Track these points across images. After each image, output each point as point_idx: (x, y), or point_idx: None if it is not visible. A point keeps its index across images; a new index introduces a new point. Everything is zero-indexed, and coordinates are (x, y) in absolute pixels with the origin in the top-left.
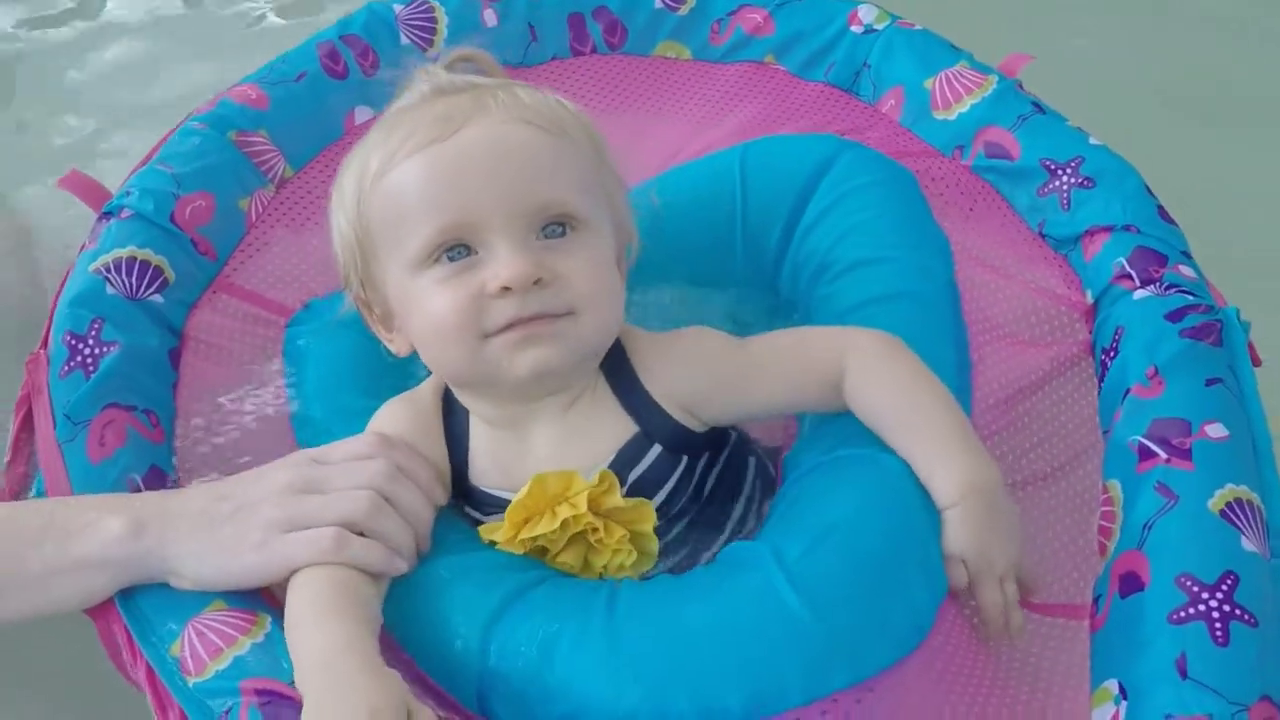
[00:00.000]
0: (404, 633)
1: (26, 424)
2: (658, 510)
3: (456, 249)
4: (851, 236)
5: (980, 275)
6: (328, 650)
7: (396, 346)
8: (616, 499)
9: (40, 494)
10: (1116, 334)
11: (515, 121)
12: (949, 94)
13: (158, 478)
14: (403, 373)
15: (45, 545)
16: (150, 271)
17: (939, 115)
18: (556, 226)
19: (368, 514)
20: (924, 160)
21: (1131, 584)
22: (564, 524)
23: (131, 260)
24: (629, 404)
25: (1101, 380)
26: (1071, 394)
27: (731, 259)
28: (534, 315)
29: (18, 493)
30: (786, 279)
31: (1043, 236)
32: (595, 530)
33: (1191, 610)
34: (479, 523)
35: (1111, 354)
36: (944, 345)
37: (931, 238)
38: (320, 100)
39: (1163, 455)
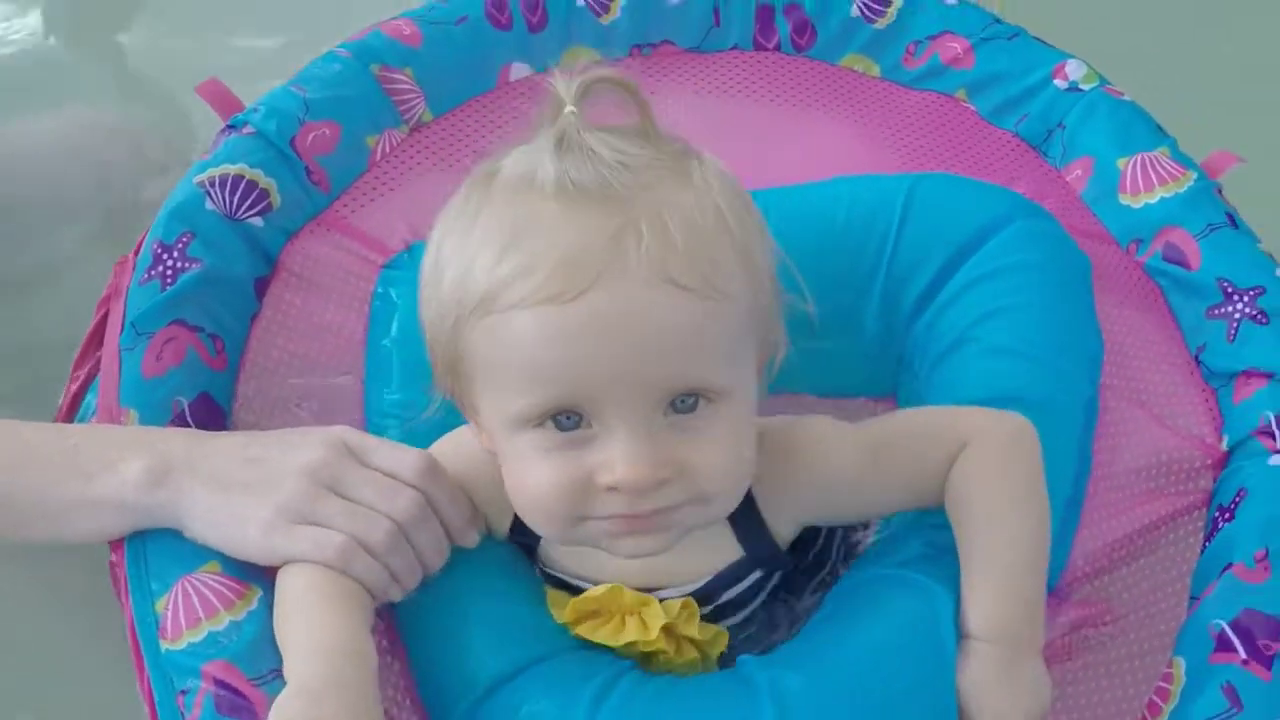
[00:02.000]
0: (410, 640)
1: (101, 325)
2: (740, 623)
3: (568, 415)
4: (998, 318)
5: (1114, 402)
6: (329, 645)
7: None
8: (693, 629)
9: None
10: (1238, 496)
11: (657, 284)
12: (1140, 180)
13: (206, 404)
14: None
15: (68, 482)
16: (256, 193)
17: (1124, 200)
18: (690, 398)
19: (382, 545)
20: (1095, 245)
21: None
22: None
23: (239, 178)
24: (742, 533)
25: (1208, 540)
26: (1176, 544)
27: (868, 300)
28: (647, 514)
29: (80, 391)
30: (916, 344)
31: (1199, 362)
32: (664, 652)
33: None
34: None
35: (1227, 517)
36: (1061, 473)
37: (1085, 344)
38: (477, 49)
39: (1241, 654)
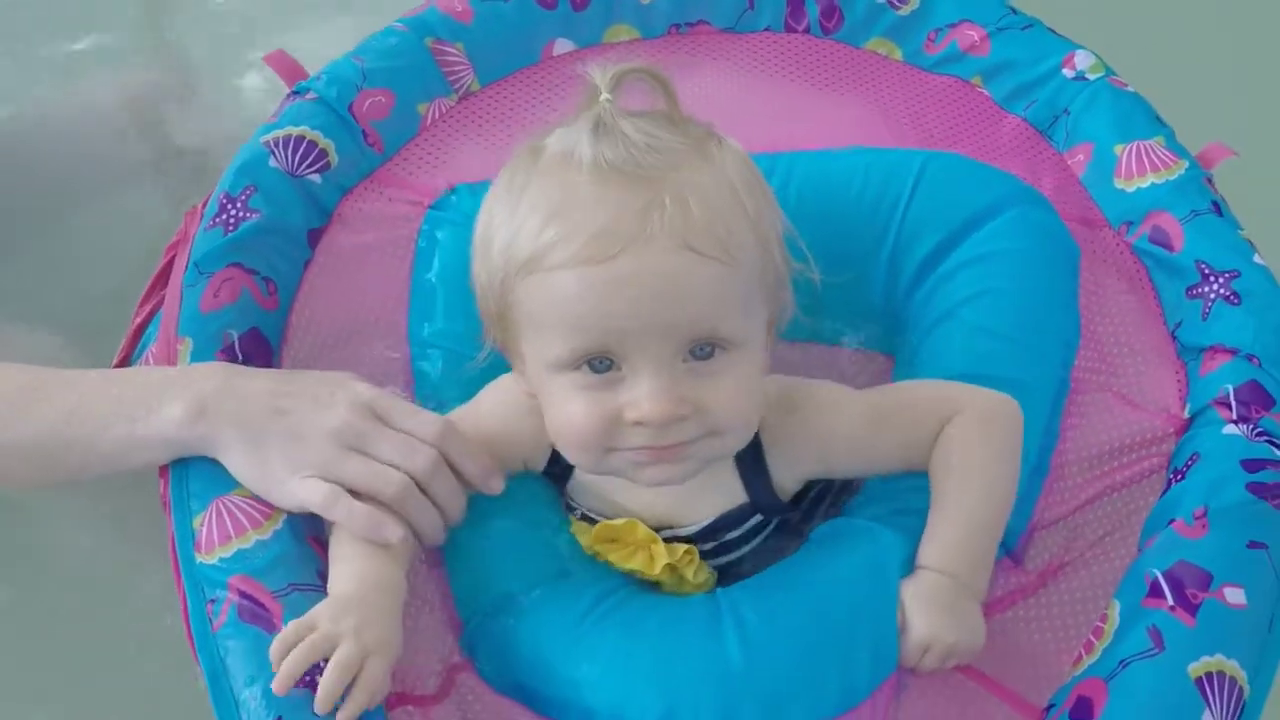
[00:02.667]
0: (450, 559)
1: (168, 267)
2: (740, 559)
3: (600, 360)
4: (983, 299)
5: (1088, 383)
6: (366, 575)
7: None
8: (690, 572)
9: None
10: (1191, 460)
11: (678, 250)
12: (1134, 166)
13: (255, 338)
14: None
15: (115, 426)
16: (315, 152)
17: (1118, 184)
18: (706, 347)
19: (394, 498)
20: (1088, 227)
21: (1083, 711)
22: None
23: (300, 139)
24: (747, 479)
25: (1161, 496)
26: (1133, 502)
27: (876, 261)
28: (668, 446)
29: (142, 324)
30: (915, 311)
31: (1174, 338)
32: (666, 582)
33: None
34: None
35: (1179, 478)
36: (1027, 444)
37: (1062, 328)
38: (524, 25)
39: (1169, 601)
